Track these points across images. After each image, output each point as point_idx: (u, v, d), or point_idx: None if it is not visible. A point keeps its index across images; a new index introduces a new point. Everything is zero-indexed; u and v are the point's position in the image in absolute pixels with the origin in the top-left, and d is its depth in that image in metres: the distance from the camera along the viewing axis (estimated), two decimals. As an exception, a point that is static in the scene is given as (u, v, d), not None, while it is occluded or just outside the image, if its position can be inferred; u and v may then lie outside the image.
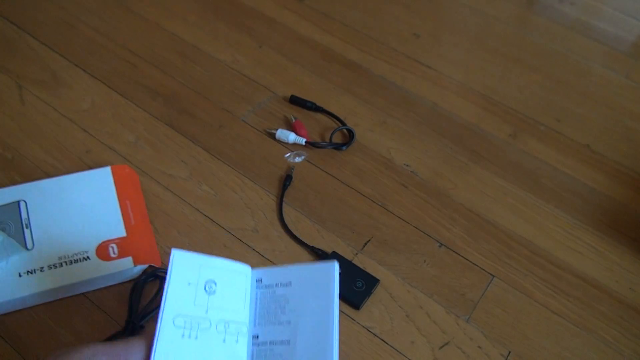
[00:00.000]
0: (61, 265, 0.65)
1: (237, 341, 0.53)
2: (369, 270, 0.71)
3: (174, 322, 0.51)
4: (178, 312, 0.51)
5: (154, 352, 0.49)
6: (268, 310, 0.55)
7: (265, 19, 1.04)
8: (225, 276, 0.55)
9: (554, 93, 0.97)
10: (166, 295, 0.51)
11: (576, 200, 0.82)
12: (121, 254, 0.66)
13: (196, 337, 0.51)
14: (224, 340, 0.52)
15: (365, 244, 0.74)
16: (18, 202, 0.70)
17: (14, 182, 0.75)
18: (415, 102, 0.92)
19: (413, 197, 0.79)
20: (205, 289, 0.53)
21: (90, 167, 0.78)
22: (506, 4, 1.14)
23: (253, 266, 0.57)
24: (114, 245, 0.67)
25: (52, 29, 0.97)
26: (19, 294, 0.62)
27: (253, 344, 0.54)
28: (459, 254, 0.74)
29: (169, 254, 0.70)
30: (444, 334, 0.66)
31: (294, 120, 0.86)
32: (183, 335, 0.51)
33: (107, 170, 0.74)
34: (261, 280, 0.57)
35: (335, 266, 0.54)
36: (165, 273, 0.66)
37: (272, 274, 0.57)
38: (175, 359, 0.49)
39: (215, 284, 0.54)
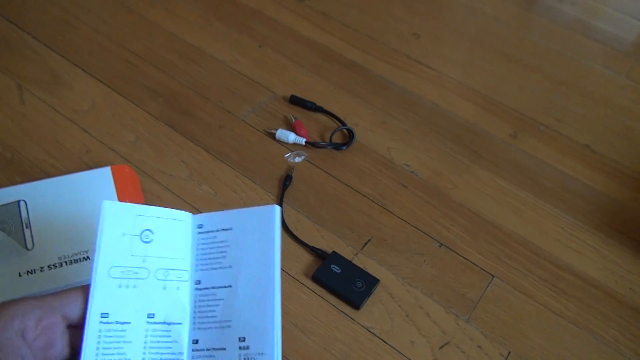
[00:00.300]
0: (61, 265, 0.65)
1: (178, 288, 0.53)
2: (369, 270, 0.71)
3: (109, 274, 0.50)
4: (113, 263, 0.50)
5: (91, 304, 0.48)
6: (210, 256, 0.54)
7: (265, 19, 1.04)
8: (163, 224, 0.54)
9: (554, 93, 0.97)
10: (98, 248, 0.50)
11: (576, 200, 0.82)
12: (121, 254, 0.66)
13: (134, 287, 0.50)
14: (164, 288, 0.52)
15: (365, 244, 0.74)
16: (18, 202, 0.70)
17: (14, 182, 0.75)
18: (415, 102, 0.92)
19: (413, 197, 0.79)
20: (141, 238, 0.52)
21: (90, 167, 0.78)
22: (506, 4, 1.14)
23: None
24: (114, 245, 0.67)
25: (52, 29, 0.97)
26: (19, 294, 0.62)
27: (195, 289, 0.53)
28: (459, 254, 0.74)
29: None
30: (443, 334, 0.67)
31: (294, 120, 0.86)
32: (120, 286, 0.50)
33: (107, 170, 0.74)
34: (202, 226, 0.56)
35: (276, 209, 0.54)
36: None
37: (213, 219, 0.56)
38: (114, 308, 0.49)
39: (152, 232, 0.53)
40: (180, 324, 0.52)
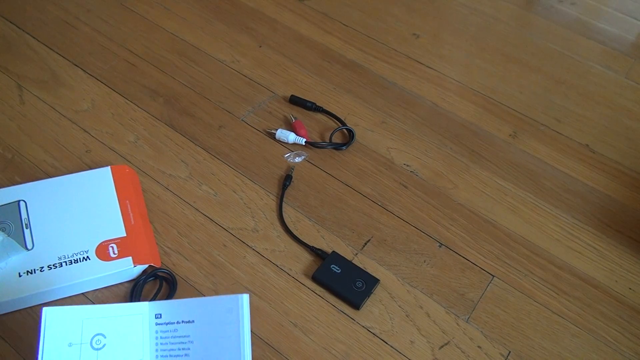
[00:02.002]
0: (61, 265, 0.65)
1: None
2: (369, 270, 0.71)
3: None
4: None
5: None
6: (171, 353, 0.48)
7: (265, 19, 1.04)
8: (115, 323, 0.48)
9: (554, 93, 0.97)
10: None
11: (576, 200, 0.82)
12: (121, 254, 0.66)
13: None
14: None
15: (365, 243, 0.74)
16: (18, 202, 0.70)
17: (14, 182, 0.75)
18: (415, 102, 0.92)
19: (413, 197, 0.79)
20: (92, 345, 0.47)
21: (90, 167, 0.78)
22: (506, 4, 1.14)
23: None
24: (114, 245, 0.67)
25: (52, 29, 0.97)
26: (19, 294, 0.62)
27: None
28: (459, 254, 0.74)
29: (169, 254, 0.70)
30: (443, 334, 0.66)
31: (294, 120, 0.86)
32: None
33: (107, 170, 0.74)
34: (160, 316, 0.50)
35: (243, 299, 0.48)
36: (166, 273, 0.66)
37: (172, 308, 0.50)
38: None
39: (104, 336, 0.48)
40: None
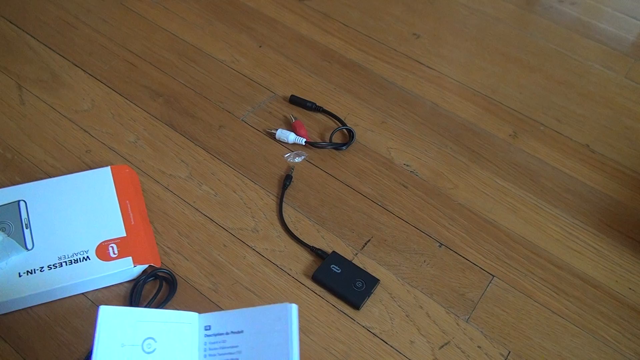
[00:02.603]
0: (61, 265, 0.65)
1: None
2: (369, 270, 0.71)
3: None
4: None
5: None
6: None
7: (265, 19, 1.04)
8: (167, 329, 0.49)
9: (554, 93, 0.97)
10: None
11: (576, 200, 0.82)
12: (121, 254, 0.66)
13: None
14: None
15: (365, 243, 0.74)
16: (18, 202, 0.70)
17: (14, 182, 0.75)
18: (415, 102, 0.92)
19: (413, 197, 0.79)
20: (143, 348, 0.47)
21: (90, 167, 0.78)
22: (506, 4, 1.14)
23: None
24: (114, 245, 0.67)
25: (52, 29, 0.97)
26: (19, 294, 0.62)
27: None
28: (459, 254, 0.74)
29: (169, 254, 0.70)
30: (443, 334, 0.66)
31: (294, 120, 0.86)
32: None
33: (107, 170, 0.74)
34: (210, 328, 0.50)
35: (292, 308, 0.48)
36: (166, 273, 0.66)
37: (222, 319, 0.50)
38: None
39: (155, 340, 0.48)
40: None
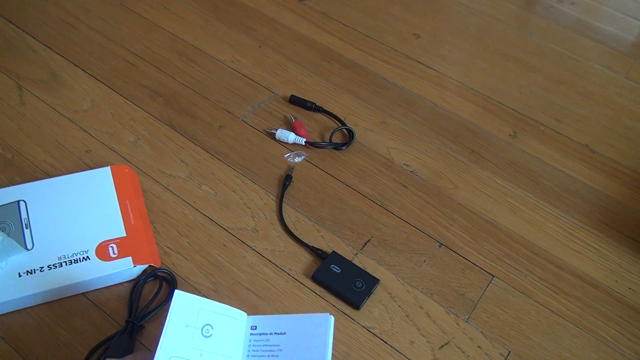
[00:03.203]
0: (61, 265, 0.65)
1: None
2: (369, 270, 0.71)
3: None
4: (174, 353, 0.51)
5: None
6: (260, 358, 0.56)
7: (265, 19, 1.04)
8: (222, 321, 0.56)
9: (554, 93, 0.97)
10: (164, 334, 0.51)
11: (576, 200, 0.82)
12: (121, 254, 0.66)
13: None
14: None
15: (365, 243, 0.74)
16: (18, 202, 0.70)
17: (14, 182, 0.75)
18: (415, 102, 0.92)
19: (413, 197, 0.79)
20: (202, 332, 0.54)
21: (90, 167, 0.78)
22: (506, 4, 1.14)
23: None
24: (114, 245, 0.67)
25: (52, 29, 0.97)
26: (19, 294, 0.62)
27: None
28: (459, 254, 0.74)
29: (169, 254, 0.70)
30: (443, 334, 0.66)
31: (293, 120, 0.86)
32: None
33: (107, 170, 0.74)
34: (256, 328, 0.58)
35: (330, 319, 0.55)
36: (166, 273, 0.66)
37: (267, 322, 0.58)
38: None
39: (212, 327, 0.55)
40: None
